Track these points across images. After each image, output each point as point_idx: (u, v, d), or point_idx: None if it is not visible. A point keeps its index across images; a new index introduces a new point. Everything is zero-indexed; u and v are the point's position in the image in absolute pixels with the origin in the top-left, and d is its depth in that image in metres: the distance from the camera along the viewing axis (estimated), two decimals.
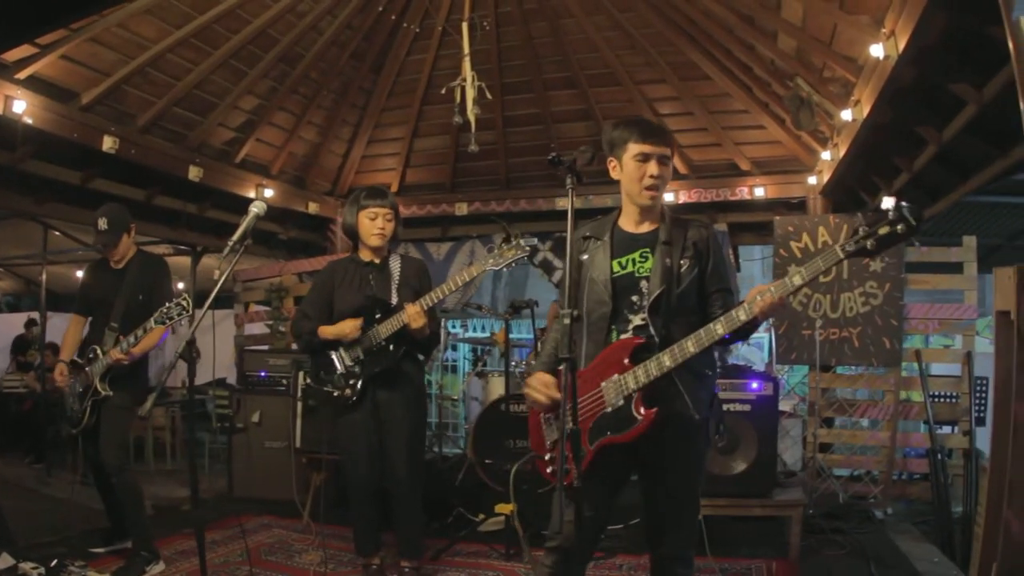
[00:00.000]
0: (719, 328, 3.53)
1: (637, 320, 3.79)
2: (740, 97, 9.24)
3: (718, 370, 4.12)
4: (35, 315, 14.48)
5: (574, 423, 3.77)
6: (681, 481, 3.83)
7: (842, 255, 3.32)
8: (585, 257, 4.00)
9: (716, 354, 8.47)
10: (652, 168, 3.81)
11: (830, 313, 8.44)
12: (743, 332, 3.62)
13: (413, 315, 5.38)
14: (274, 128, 10.01)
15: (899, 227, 3.18)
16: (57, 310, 14.49)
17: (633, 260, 3.89)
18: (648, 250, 3.87)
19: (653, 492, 3.90)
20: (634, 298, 3.82)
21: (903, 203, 3.20)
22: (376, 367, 5.59)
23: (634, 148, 3.84)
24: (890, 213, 3.20)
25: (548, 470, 3.99)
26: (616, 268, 3.89)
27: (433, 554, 6.49)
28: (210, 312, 4.51)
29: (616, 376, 3.71)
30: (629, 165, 3.86)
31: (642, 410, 3.62)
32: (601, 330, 3.85)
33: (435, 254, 11.81)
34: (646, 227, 3.97)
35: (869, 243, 3.24)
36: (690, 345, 3.57)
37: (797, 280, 3.39)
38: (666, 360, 3.60)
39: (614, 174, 3.97)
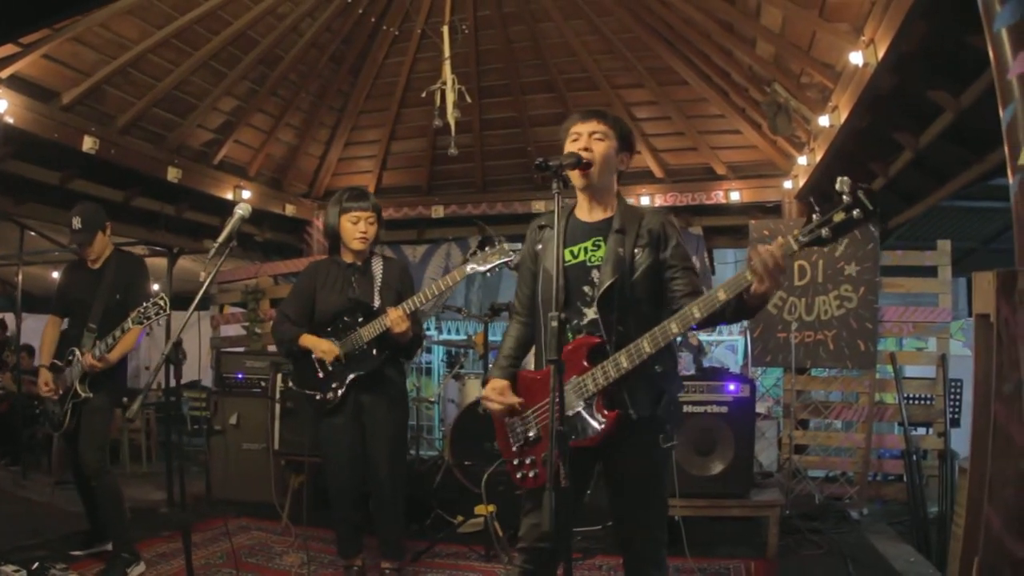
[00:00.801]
0: (673, 327, 3.47)
1: (590, 314, 3.73)
2: (717, 102, 9.32)
3: (677, 368, 4.03)
4: (5, 316, 14.38)
5: (536, 428, 3.82)
6: (639, 483, 3.79)
7: (796, 247, 3.20)
8: (540, 247, 3.97)
9: (692, 357, 8.55)
10: (581, 143, 3.78)
11: (805, 316, 8.50)
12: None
13: (396, 320, 5.36)
14: (252, 130, 10.02)
15: (855, 212, 3.08)
16: (32, 311, 14.40)
17: (585, 248, 3.84)
18: (601, 238, 3.82)
19: (615, 495, 3.88)
20: (586, 288, 3.77)
21: (859, 186, 3.09)
22: (359, 370, 5.56)
23: (570, 132, 3.86)
24: (845, 198, 3.09)
25: (517, 475, 3.96)
26: (568, 257, 3.83)
27: (413, 556, 6.49)
28: (194, 313, 4.52)
29: (575, 378, 3.67)
30: (567, 147, 3.83)
31: (604, 412, 3.60)
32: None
33: (411, 256, 11.82)
34: (599, 215, 3.91)
35: (824, 231, 3.14)
36: (646, 345, 3.51)
37: (750, 276, 3.27)
38: (623, 361, 3.55)
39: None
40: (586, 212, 3.95)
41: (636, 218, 3.84)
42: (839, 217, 3.11)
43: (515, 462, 3.95)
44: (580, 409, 3.67)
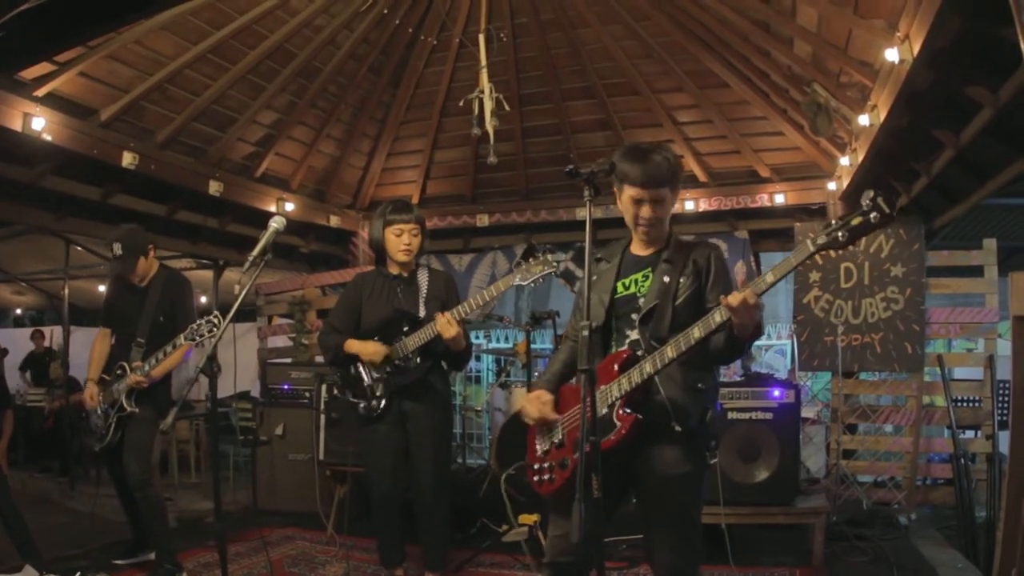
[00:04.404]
0: (696, 331, 3.50)
1: (633, 335, 3.83)
2: (758, 104, 9.22)
3: (717, 391, 4.05)
4: (54, 329, 14.53)
5: (563, 434, 3.87)
6: (670, 498, 3.76)
7: (812, 248, 3.27)
8: (595, 278, 4.02)
9: (740, 362, 8.48)
10: (645, 211, 3.84)
11: (852, 319, 8.43)
12: (739, 347, 3.58)
13: (444, 324, 5.38)
14: (294, 142, 10.05)
15: (872, 215, 3.13)
16: (80, 325, 14.56)
17: (636, 280, 3.93)
18: (650, 269, 3.91)
19: (644, 509, 3.87)
20: (632, 316, 3.84)
21: (879, 193, 3.15)
22: (403, 379, 5.63)
23: (629, 190, 3.85)
24: (864, 203, 3.17)
25: (535, 479, 4.00)
26: (620, 289, 3.95)
27: (457, 565, 6.50)
28: (231, 326, 4.55)
29: (603, 387, 3.71)
30: (625, 204, 3.91)
31: (620, 414, 3.62)
32: (597, 344, 3.80)
33: (457, 266, 11.80)
34: (652, 250, 4.01)
35: (840, 234, 3.21)
36: (669, 350, 3.55)
37: (769, 278, 3.33)
38: (647, 366, 3.59)
39: (618, 203, 3.98)
40: (641, 248, 4.05)
41: (685, 251, 3.93)
42: (856, 220, 3.20)
43: (535, 466, 4.01)
44: (603, 413, 3.67)
